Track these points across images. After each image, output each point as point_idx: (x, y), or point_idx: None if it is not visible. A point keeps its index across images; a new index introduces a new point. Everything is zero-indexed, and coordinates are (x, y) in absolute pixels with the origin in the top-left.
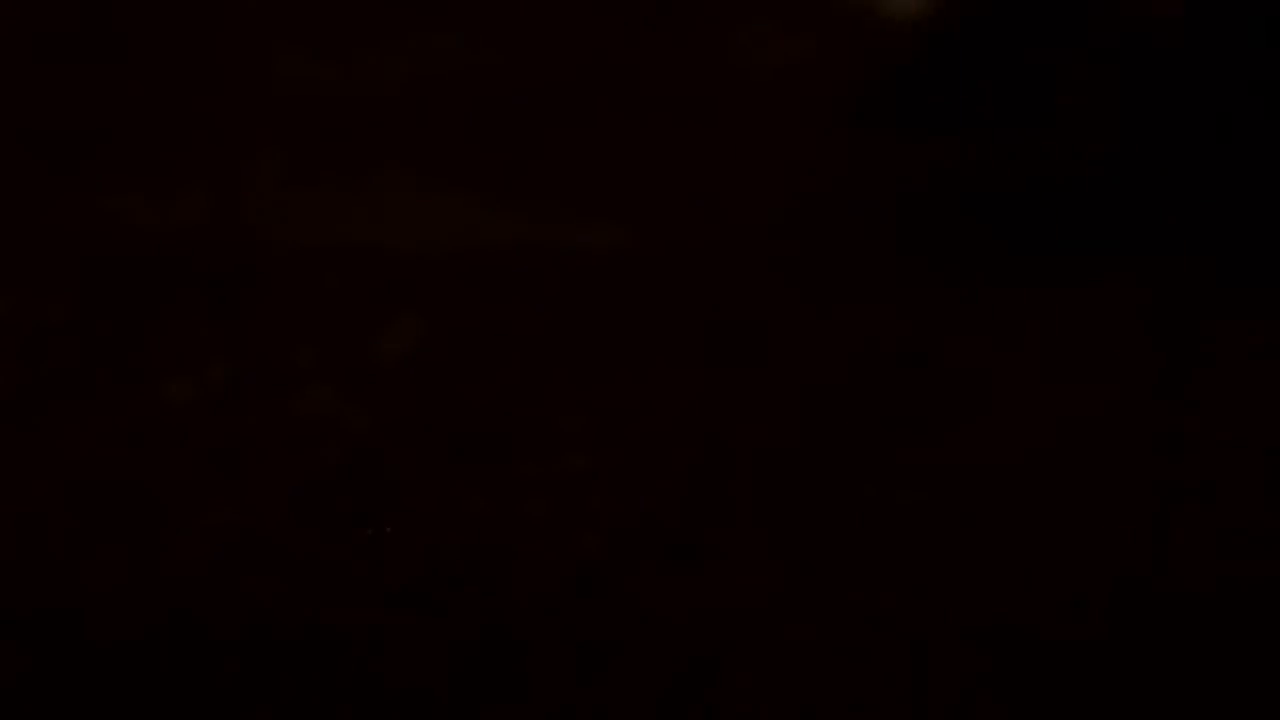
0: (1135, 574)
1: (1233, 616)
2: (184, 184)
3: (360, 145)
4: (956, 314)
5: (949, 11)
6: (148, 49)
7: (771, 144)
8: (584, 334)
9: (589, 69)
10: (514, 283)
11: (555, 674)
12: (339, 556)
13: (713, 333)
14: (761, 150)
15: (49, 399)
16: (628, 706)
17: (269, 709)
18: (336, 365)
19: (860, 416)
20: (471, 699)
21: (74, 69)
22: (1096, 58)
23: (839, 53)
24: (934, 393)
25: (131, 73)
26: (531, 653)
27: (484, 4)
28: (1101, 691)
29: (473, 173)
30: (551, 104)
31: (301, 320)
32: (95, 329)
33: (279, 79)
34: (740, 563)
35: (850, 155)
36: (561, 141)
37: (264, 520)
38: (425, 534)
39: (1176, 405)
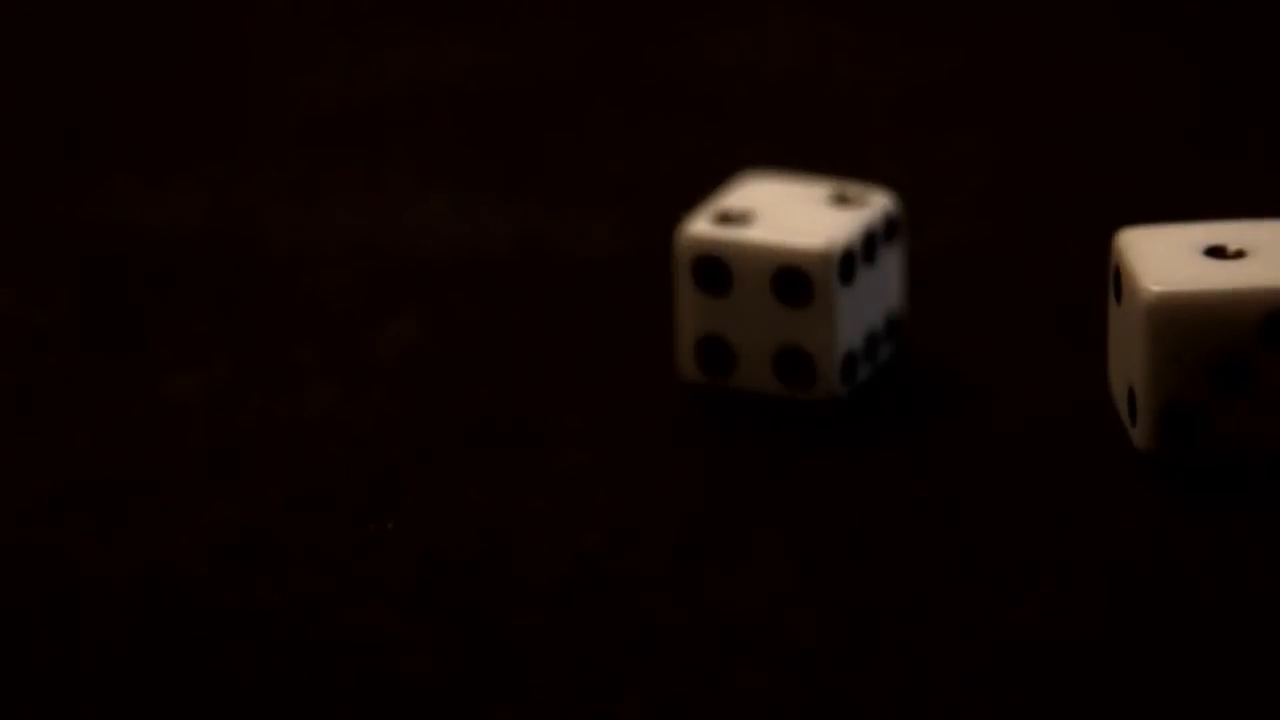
0: (1137, 572)
1: (1233, 617)
2: (184, 184)
3: (360, 145)
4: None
5: None
6: (148, 49)
7: (775, 147)
8: (584, 334)
9: (589, 69)
10: (514, 283)
11: (555, 673)
12: (339, 555)
13: None
14: (764, 151)
15: (49, 398)
16: (628, 706)
17: (269, 708)
18: (336, 365)
19: (860, 413)
20: (471, 699)
21: (74, 69)
22: None
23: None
24: (933, 385)
25: (131, 73)
26: (531, 651)
27: (485, 3)
28: (1102, 692)
29: (473, 173)
30: (551, 104)
31: (301, 320)
32: (95, 329)
33: (279, 79)
34: (741, 562)
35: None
36: (561, 141)
37: (264, 518)
38: (425, 532)
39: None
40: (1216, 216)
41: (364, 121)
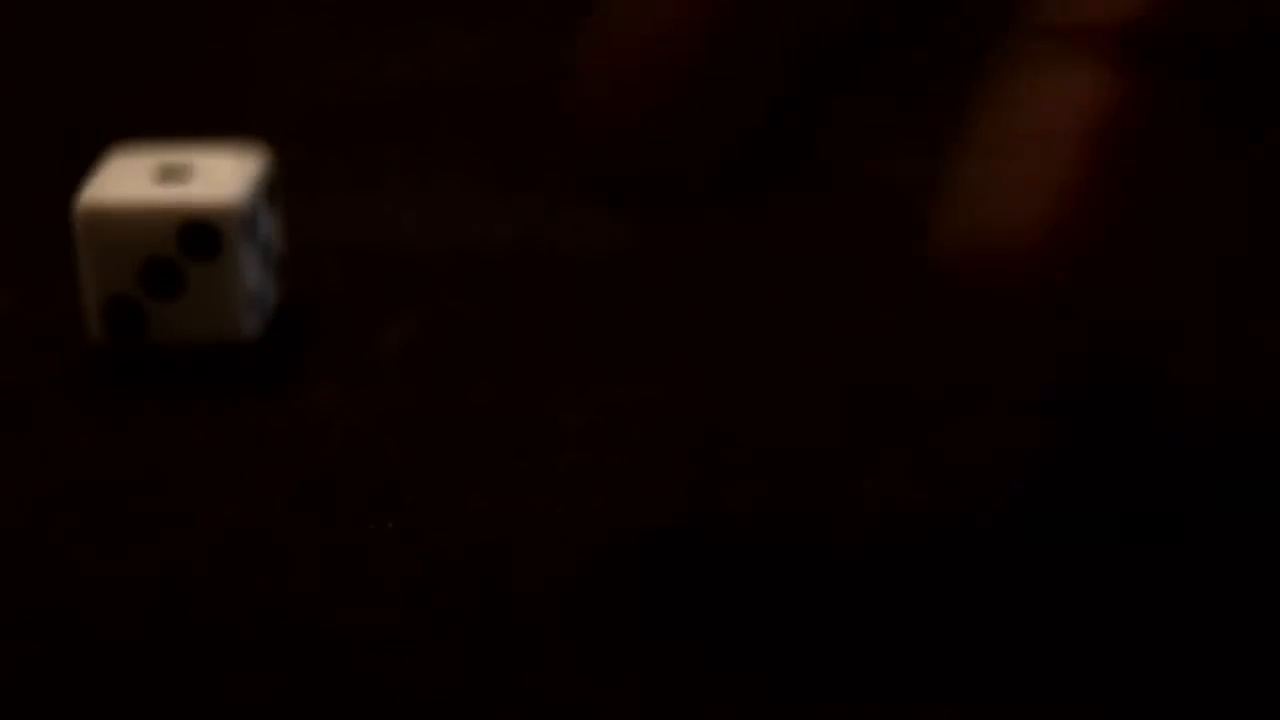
0: (1136, 575)
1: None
2: None
3: (360, 144)
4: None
5: None
6: (149, 49)
7: None
8: (584, 334)
9: None
10: (514, 283)
11: (556, 673)
12: (339, 555)
13: (713, 332)
14: None
15: (49, 398)
16: (629, 706)
17: (269, 708)
18: (336, 365)
19: (860, 415)
20: (471, 698)
21: (75, 68)
22: None
23: None
24: (932, 390)
25: (132, 73)
26: (532, 651)
27: (484, 4)
28: (1099, 692)
29: (472, 172)
30: (551, 104)
31: (301, 320)
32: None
33: (280, 78)
34: (740, 560)
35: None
36: (562, 141)
37: (264, 518)
38: (425, 532)
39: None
40: None
41: (364, 121)
